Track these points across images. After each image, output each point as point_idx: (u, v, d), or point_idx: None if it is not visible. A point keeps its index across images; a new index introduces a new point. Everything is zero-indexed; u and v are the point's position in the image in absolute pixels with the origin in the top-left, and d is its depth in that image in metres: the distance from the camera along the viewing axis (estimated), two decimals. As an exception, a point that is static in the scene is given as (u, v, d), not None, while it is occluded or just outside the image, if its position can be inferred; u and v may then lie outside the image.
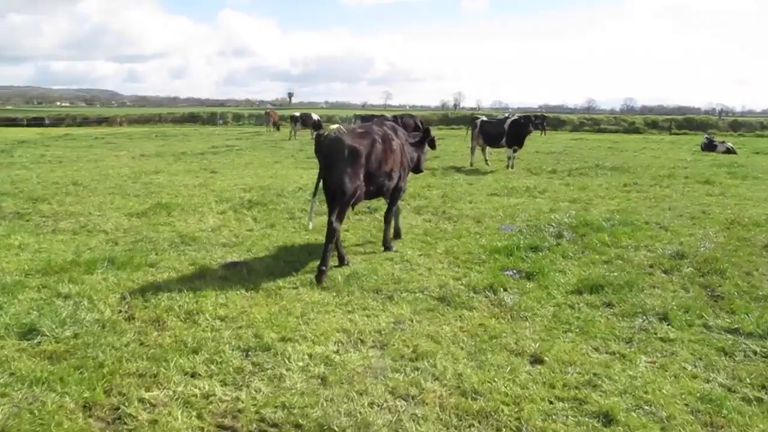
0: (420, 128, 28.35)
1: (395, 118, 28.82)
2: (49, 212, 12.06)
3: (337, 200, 7.78)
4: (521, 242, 9.04)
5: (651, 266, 8.05)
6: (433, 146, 27.98)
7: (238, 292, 7.05)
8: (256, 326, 5.99)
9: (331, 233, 7.65)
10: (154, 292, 6.97)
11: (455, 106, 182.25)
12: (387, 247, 9.07)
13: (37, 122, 70.28)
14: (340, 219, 7.84)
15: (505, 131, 19.62)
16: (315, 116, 40.13)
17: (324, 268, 7.50)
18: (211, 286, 7.21)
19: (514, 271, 7.77)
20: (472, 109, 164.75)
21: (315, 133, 8.73)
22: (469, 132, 21.89)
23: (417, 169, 10.00)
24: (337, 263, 8.24)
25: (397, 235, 9.77)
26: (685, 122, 58.41)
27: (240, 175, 18.33)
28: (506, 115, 25.19)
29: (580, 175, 17.97)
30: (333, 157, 7.73)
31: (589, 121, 59.89)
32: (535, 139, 37.07)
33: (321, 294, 7.04)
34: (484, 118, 21.36)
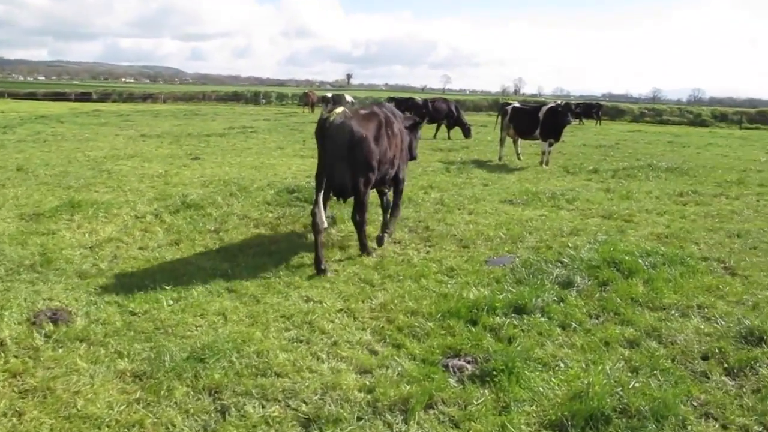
0: (454, 114, 25.43)
1: (425, 102, 25.71)
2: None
3: (353, 194, 7.28)
4: (502, 296, 5.84)
5: (705, 357, 4.80)
6: (467, 135, 24.85)
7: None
8: None
9: (359, 226, 7.42)
10: None
11: (515, 92, 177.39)
12: (380, 240, 8.05)
13: (84, 97, 69.82)
14: (363, 211, 7.33)
15: (540, 121, 16.16)
16: (349, 98, 37.29)
17: (363, 252, 7.54)
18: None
19: (466, 361, 4.60)
20: (533, 95, 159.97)
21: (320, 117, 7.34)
22: (499, 120, 18.40)
23: (410, 155, 9.00)
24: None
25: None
26: (757, 116, 52.58)
27: (220, 164, 15.53)
28: (558, 102, 21.38)
29: (627, 176, 14.40)
30: (342, 147, 6.94)
31: (651, 112, 54.67)
32: (587, 130, 33.37)
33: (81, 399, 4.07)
34: (516, 105, 17.83)
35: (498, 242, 8.17)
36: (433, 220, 9.31)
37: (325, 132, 7.01)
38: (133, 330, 5.15)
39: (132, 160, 15.82)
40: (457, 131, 25.00)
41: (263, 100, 65.19)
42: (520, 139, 17.34)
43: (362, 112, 7.43)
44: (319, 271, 6.74)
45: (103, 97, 69.88)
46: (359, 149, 6.97)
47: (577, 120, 38.56)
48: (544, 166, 16.18)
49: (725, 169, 16.17)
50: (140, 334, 5.08)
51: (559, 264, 6.86)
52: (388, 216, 8.44)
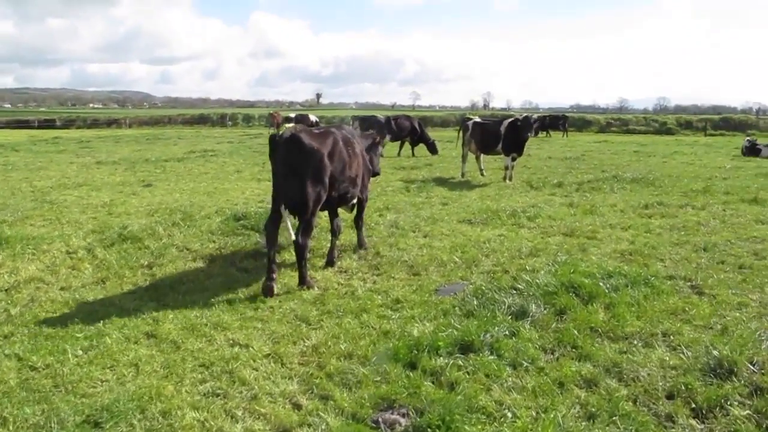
0: (418, 131, 25.00)
1: (388, 120, 25.26)
2: None
3: (299, 212, 6.93)
4: (447, 332, 5.30)
5: (670, 396, 4.29)
6: (433, 151, 24.43)
7: None
8: None
9: (300, 251, 6.81)
10: None
11: (485, 106, 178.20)
12: (362, 246, 8.61)
13: (48, 124, 68.54)
14: (307, 233, 6.94)
15: (502, 135, 15.76)
16: (313, 117, 37.02)
17: (301, 285, 6.90)
18: None
19: (400, 414, 4.03)
20: (502, 109, 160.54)
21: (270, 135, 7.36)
22: (460, 136, 17.92)
23: (373, 171, 9.07)
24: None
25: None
26: (721, 122, 53.62)
27: (171, 190, 14.89)
28: (525, 115, 20.96)
29: (592, 189, 14.01)
30: (290, 161, 6.79)
31: (617, 122, 55.30)
32: (554, 142, 33.17)
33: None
34: (477, 119, 17.40)
35: (452, 267, 7.64)
36: (384, 245, 8.77)
37: (275, 148, 6.94)
38: (28, 389, 4.53)
39: (79, 189, 15.17)
40: (422, 148, 24.57)
41: (230, 123, 64.45)
42: (482, 155, 16.93)
43: (315, 130, 7.36)
44: (267, 290, 6.60)
45: (68, 124, 68.67)
46: (309, 162, 6.80)
47: (544, 132, 38.48)
48: (507, 181, 15.76)
49: (691, 178, 15.88)
50: (34, 393, 4.46)
51: (514, 291, 6.33)
52: (358, 232, 8.72)
